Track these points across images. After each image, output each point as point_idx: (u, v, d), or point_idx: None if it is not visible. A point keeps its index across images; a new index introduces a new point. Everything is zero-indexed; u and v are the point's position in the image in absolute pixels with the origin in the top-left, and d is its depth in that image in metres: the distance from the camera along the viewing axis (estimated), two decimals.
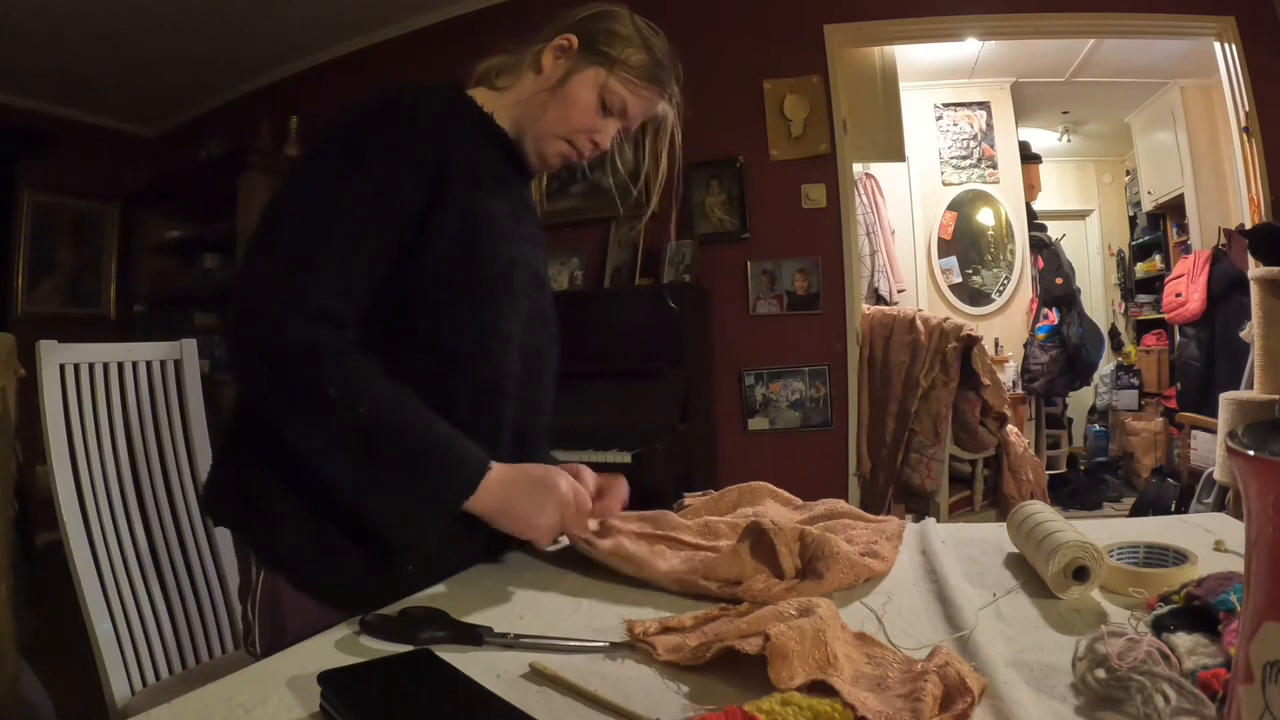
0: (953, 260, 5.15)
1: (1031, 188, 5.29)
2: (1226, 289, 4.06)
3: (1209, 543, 0.90)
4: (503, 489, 0.88)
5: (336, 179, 0.89)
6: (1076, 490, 4.67)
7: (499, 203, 1.00)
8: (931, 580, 0.85)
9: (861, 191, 4.30)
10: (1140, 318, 5.69)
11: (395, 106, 0.95)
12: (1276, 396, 2.62)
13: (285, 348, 0.82)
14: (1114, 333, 5.83)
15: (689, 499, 1.16)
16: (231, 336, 0.86)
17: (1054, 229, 5.28)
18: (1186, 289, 4.35)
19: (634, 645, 0.69)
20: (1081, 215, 6.27)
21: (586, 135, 1.06)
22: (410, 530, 0.87)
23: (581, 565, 0.94)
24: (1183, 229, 4.94)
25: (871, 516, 1.06)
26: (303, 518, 0.90)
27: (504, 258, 0.99)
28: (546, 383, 1.11)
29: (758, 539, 0.86)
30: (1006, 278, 5.16)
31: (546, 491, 0.89)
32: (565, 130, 1.05)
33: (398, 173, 0.91)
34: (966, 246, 5.15)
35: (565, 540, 0.97)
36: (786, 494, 1.15)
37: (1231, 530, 0.95)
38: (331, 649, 0.71)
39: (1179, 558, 0.80)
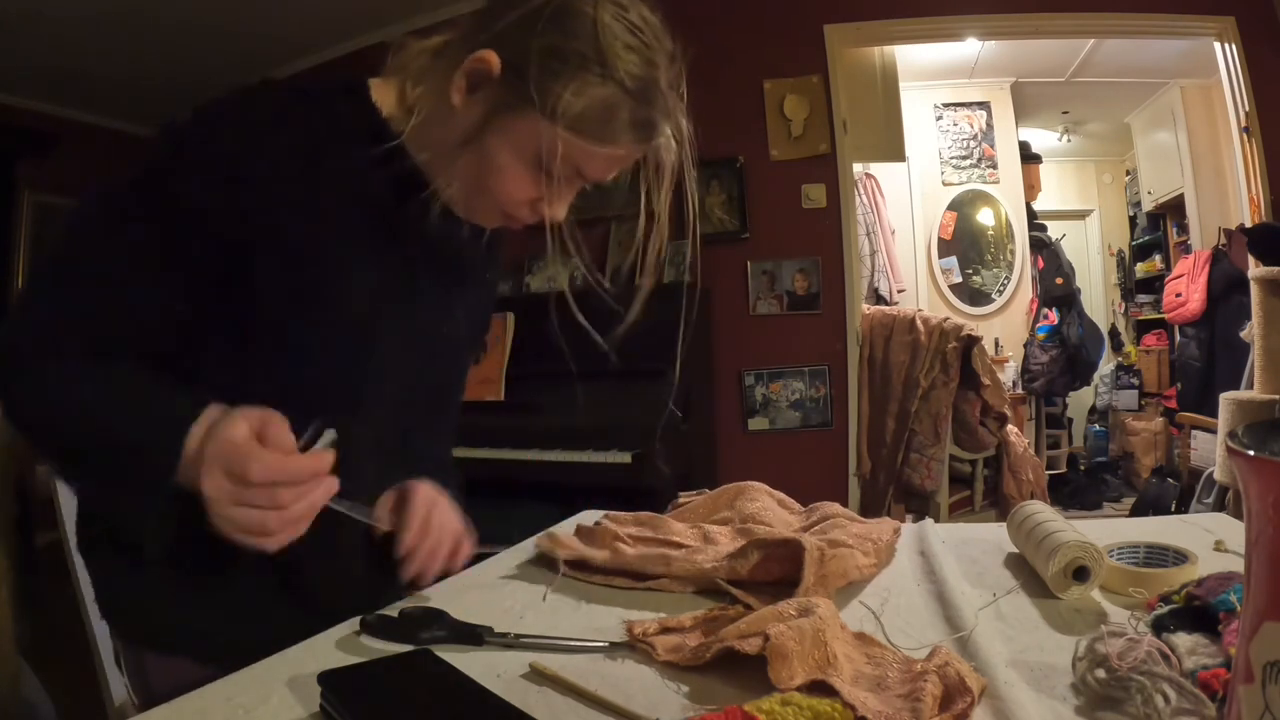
0: (953, 260, 5.15)
1: (1031, 188, 5.29)
2: (1226, 289, 4.06)
3: (1209, 543, 0.90)
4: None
5: (97, 209, 0.77)
6: (1076, 490, 4.67)
7: (354, 242, 0.79)
8: (931, 580, 0.85)
9: (861, 191, 4.30)
10: (1140, 318, 5.69)
11: (200, 125, 0.75)
12: (1276, 396, 2.62)
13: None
14: (1114, 333, 5.83)
15: (684, 497, 1.16)
16: None
17: (1054, 229, 5.28)
18: (1186, 289, 4.35)
19: (634, 645, 0.69)
20: (1081, 215, 6.27)
21: (524, 208, 0.78)
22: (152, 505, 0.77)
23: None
24: (1183, 229, 4.94)
25: (865, 520, 1.04)
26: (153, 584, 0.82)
27: (345, 310, 0.80)
28: (413, 449, 0.93)
29: (787, 552, 0.82)
30: (1006, 278, 5.16)
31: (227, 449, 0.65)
32: (490, 201, 0.78)
33: (158, 210, 0.73)
34: (966, 246, 5.15)
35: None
36: (781, 494, 1.14)
37: (1231, 530, 0.95)
38: (331, 649, 0.71)
39: (1179, 558, 0.80)
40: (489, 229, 0.87)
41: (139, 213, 0.74)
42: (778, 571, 0.82)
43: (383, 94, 0.81)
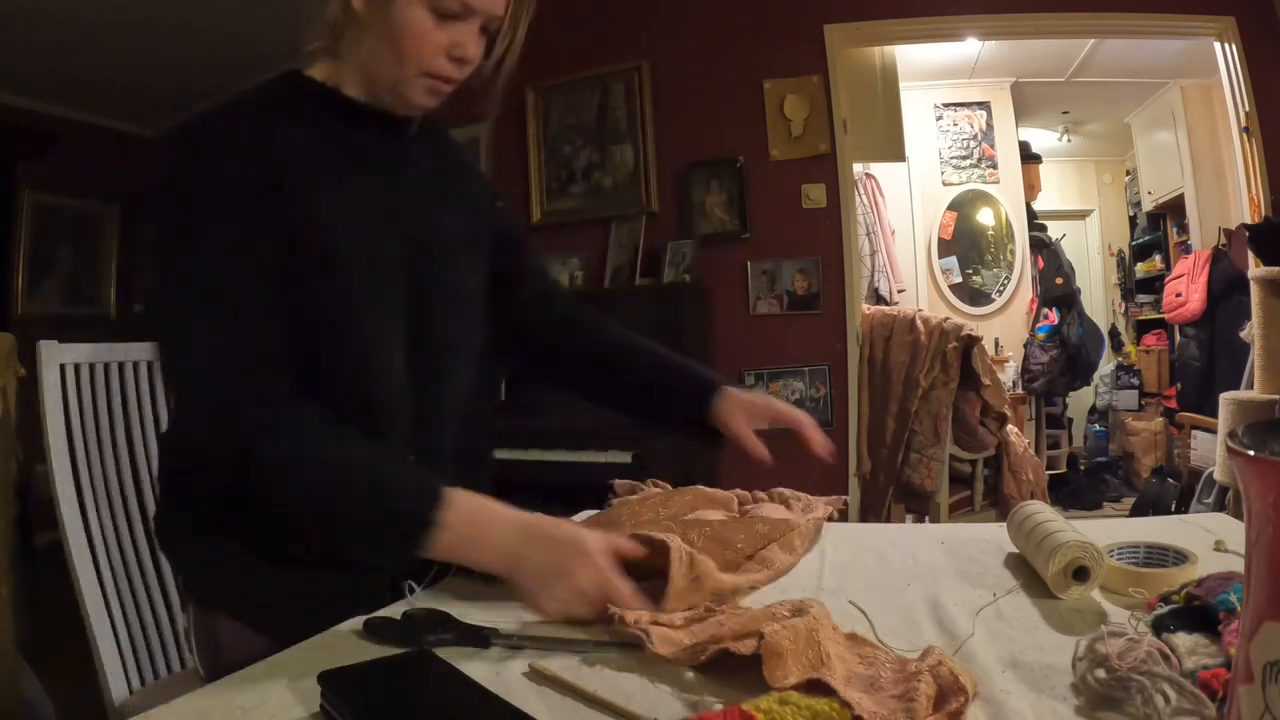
0: (953, 260, 5.15)
1: (1031, 188, 5.29)
2: (1226, 289, 4.06)
3: (1209, 543, 0.90)
4: (511, 535, 0.79)
5: (196, 251, 0.82)
6: (1076, 490, 4.67)
7: (355, 185, 0.91)
8: (925, 581, 0.85)
9: (861, 191, 4.30)
10: (1140, 318, 5.69)
11: (201, 148, 0.86)
12: (1276, 396, 2.62)
13: (232, 452, 0.78)
14: (1114, 333, 5.82)
15: (619, 485, 1.15)
16: (185, 449, 0.87)
17: (1054, 229, 5.28)
18: (1186, 289, 4.35)
19: (627, 639, 0.68)
20: (1081, 215, 6.26)
21: (440, 57, 0.88)
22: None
23: None
24: (1183, 229, 4.94)
25: (806, 498, 1.04)
26: (233, 558, 0.87)
27: (359, 249, 0.89)
28: (447, 392, 0.99)
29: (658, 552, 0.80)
30: (1006, 278, 5.16)
31: (573, 550, 0.76)
32: (412, 68, 0.88)
33: (240, 215, 0.83)
34: (966, 246, 5.15)
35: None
36: (723, 493, 1.14)
37: (1231, 530, 0.95)
38: (332, 649, 0.71)
39: (1179, 558, 0.80)
40: (447, 139, 1.08)
41: (214, 233, 0.82)
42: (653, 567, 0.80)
43: (316, 72, 0.97)
